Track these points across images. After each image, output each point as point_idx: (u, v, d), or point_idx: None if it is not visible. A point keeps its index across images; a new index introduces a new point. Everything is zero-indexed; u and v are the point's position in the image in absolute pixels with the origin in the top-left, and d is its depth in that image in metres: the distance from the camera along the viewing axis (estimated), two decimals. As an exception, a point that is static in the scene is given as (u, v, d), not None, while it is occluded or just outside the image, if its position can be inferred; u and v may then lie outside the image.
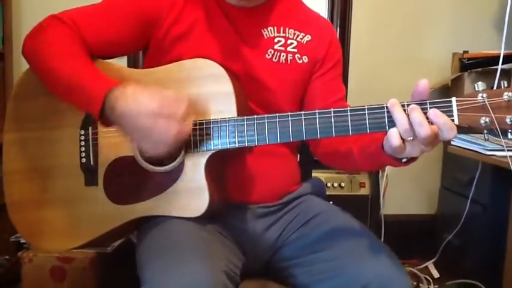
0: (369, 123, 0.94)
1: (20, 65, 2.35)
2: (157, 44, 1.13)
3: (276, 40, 1.16)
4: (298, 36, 1.18)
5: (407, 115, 0.89)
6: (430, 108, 0.90)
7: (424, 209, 2.71)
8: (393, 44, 2.63)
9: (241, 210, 1.14)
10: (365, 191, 2.20)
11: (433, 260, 2.48)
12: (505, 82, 0.93)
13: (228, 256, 1.01)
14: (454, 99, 0.91)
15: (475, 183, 2.17)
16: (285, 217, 1.17)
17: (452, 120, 0.89)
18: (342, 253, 1.03)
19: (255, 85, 1.13)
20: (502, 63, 2.19)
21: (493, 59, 2.24)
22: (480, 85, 0.92)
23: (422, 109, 0.89)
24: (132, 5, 1.13)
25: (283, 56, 1.16)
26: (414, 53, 2.65)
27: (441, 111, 0.89)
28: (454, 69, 2.53)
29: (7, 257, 2.26)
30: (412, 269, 2.41)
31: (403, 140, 0.90)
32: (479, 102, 0.90)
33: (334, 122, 0.95)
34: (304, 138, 0.99)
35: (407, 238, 2.51)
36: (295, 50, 1.17)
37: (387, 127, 0.92)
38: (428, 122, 0.88)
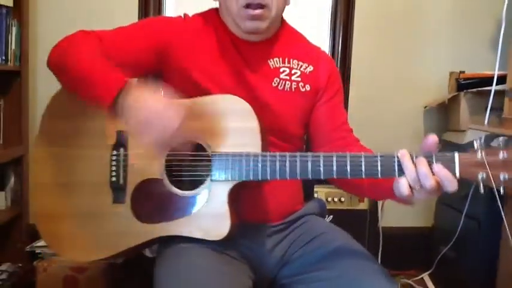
0: (380, 169, 1.03)
1: (35, 82, 2.45)
2: (174, 66, 1.23)
3: (281, 70, 1.26)
4: (301, 66, 1.28)
5: (415, 166, 0.98)
6: (436, 161, 1.00)
7: (421, 221, 2.77)
8: (393, 63, 2.69)
9: (252, 229, 1.22)
10: (364, 205, 2.28)
11: (428, 272, 2.55)
12: (500, 139, 1.03)
13: (242, 280, 1.11)
14: (456, 154, 1.01)
15: (469, 199, 2.25)
16: (290, 236, 1.25)
17: (454, 174, 0.99)
18: (341, 273, 1.12)
19: (263, 111, 1.21)
20: (496, 84, 2.29)
21: (488, 80, 2.31)
22: (479, 143, 1.02)
23: (428, 161, 0.99)
24: (149, 33, 1.24)
25: (288, 84, 1.26)
26: (413, 71, 2.71)
27: (445, 164, 0.99)
28: (451, 88, 2.60)
29: (20, 265, 2.35)
30: (408, 280, 2.49)
31: (411, 188, 0.99)
32: (478, 159, 1.00)
33: (350, 165, 1.04)
34: (322, 178, 1.06)
35: (404, 250, 2.59)
36: (299, 79, 1.27)
37: (396, 174, 1.02)
38: (433, 173, 0.98)
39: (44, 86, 2.47)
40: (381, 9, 2.65)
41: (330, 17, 2.65)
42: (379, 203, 2.41)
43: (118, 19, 2.42)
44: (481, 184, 1.01)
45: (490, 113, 2.27)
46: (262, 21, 1.20)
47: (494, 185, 1.00)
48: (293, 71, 1.28)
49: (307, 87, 1.28)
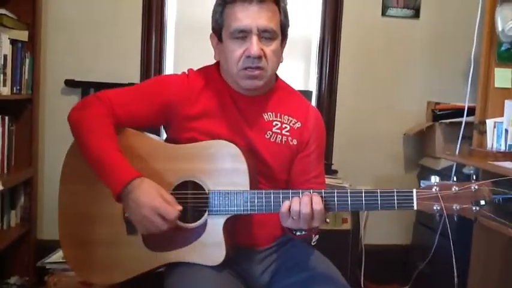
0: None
1: (44, 109, 2.66)
2: (177, 121, 1.40)
3: (274, 123, 1.42)
4: (291, 121, 1.43)
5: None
6: (397, 195, 1.21)
7: (400, 239, 2.97)
8: (375, 93, 2.91)
9: (244, 253, 1.40)
10: (347, 226, 2.45)
11: (407, 287, 2.75)
12: (455, 177, 1.23)
13: None
14: (414, 190, 1.21)
15: (442, 220, 2.45)
16: (278, 260, 1.43)
17: (412, 207, 1.20)
18: None
19: (256, 159, 1.38)
20: (468, 115, 2.52)
21: (461, 111, 2.54)
22: (433, 178, 1.22)
23: (389, 196, 1.21)
24: (155, 92, 1.40)
25: (279, 137, 1.41)
26: (394, 101, 2.93)
27: (404, 198, 1.20)
28: (428, 117, 2.83)
29: (27, 278, 2.51)
30: (388, 295, 2.70)
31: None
32: (433, 194, 1.20)
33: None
34: None
35: (385, 266, 2.79)
36: (288, 134, 1.42)
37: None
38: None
39: (52, 113, 2.67)
40: (364, 44, 2.88)
41: (317, 52, 2.88)
42: (362, 223, 2.62)
43: (123, 54, 2.66)
44: (437, 214, 1.22)
45: (461, 142, 2.50)
46: (259, 80, 1.35)
47: (446, 215, 1.21)
48: (284, 125, 1.42)
49: (295, 142, 1.42)
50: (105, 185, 1.27)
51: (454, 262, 1.40)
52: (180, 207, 1.26)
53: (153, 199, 1.23)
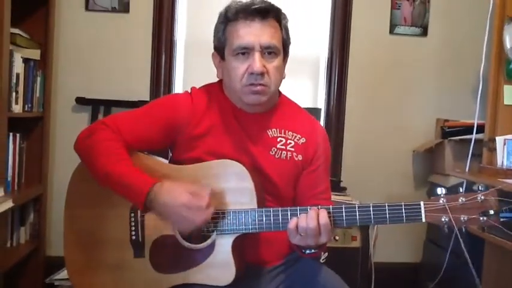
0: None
1: (55, 126, 2.69)
2: (182, 142, 1.40)
3: (278, 140, 1.42)
4: (295, 137, 1.43)
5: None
6: (405, 208, 1.21)
7: (410, 257, 2.95)
8: (384, 111, 2.92)
9: (256, 271, 1.38)
10: (356, 243, 2.43)
11: (417, 307, 2.73)
12: (461, 188, 1.22)
13: None
14: (422, 203, 1.22)
15: (453, 238, 2.44)
16: (288, 279, 1.41)
17: (421, 219, 1.21)
18: None
19: (261, 176, 1.38)
20: (476, 133, 2.50)
21: (470, 128, 2.50)
22: (440, 190, 1.22)
23: (397, 209, 1.21)
24: (161, 115, 1.40)
25: (283, 153, 1.41)
26: (403, 118, 2.93)
27: (412, 211, 1.21)
28: (437, 134, 2.83)
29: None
30: (397, 314, 2.65)
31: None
32: (440, 205, 1.20)
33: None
34: None
35: (395, 285, 2.76)
36: (293, 149, 1.42)
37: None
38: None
39: (62, 130, 2.70)
40: (372, 62, 2.89)
41: (325, 70, 2.89)
42: (371, 241, 2.60)
43: (133, 72, 2.69)
44: (445, 226, 1.21)
45: (471, 160, 2.48)
46: (262, 95, 1.36)
47: (456, 227, 1.20)
48: (288, 141, 1.42)
49: (300, 157, 1.42)
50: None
51: (474, 272, 1.38)
52: (208, 190, 1.25)
53: (178, 197, 1.23)
